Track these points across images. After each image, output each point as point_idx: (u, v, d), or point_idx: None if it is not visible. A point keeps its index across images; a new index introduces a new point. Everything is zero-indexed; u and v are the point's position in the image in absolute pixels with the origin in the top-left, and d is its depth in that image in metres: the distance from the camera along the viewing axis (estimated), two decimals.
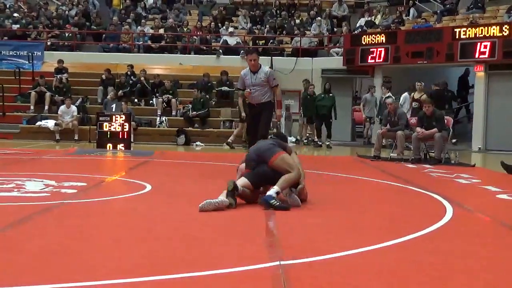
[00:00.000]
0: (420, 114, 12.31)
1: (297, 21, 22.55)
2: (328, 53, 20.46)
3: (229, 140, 15.85)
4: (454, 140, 16.08)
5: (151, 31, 21.44)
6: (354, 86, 21.69)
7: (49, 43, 20.96)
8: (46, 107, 17.59)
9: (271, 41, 20.91)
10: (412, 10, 20.82)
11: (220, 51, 20.49)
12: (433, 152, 11.88)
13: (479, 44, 15.83)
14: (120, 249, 4.22)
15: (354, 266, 3.89)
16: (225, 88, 18.16)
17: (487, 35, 15.78)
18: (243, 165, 6.63)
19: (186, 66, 20.14)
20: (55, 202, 6.07)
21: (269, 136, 7.77)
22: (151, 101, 18.25)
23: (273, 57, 19.03)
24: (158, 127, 17.16)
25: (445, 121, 11.86)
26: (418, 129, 11.63)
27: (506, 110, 15.83)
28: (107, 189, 7.72)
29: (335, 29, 21.79)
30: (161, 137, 16.72)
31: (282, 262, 3.82)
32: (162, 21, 22.25)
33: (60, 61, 18.82)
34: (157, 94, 17.94)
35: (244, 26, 22.29)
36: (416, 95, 15.26)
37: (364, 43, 18.27)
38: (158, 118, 17.29)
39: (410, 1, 21.11)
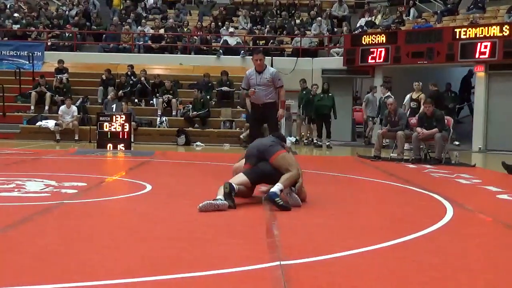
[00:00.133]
0: (421, 114, 12.31)
1: (298, 21, 22.55)
2: (329, 53, 20.46)
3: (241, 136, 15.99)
4: (457, 143, 16.08)
5: (152, 31, 21.44)
6: (355, 86, 21.70)
7: (49, 43, 20.96)
8: (47, 107, 17.59)
9: (271, 41, 20.91)
10: (412, 10, 20.81)
11: (221, 51, 20.49)
12: (433, 152, 11.87)
13: (479, 44, 15.82)
14: (120, 249, 4.22)
15: (354, 266, 3.89)
16: (225, 88, 18.16)
17: (488, 35, 15.77)
18: (239, 163, 6.62)
19: (187, 66, 20.14)
20: (56, 202, 6.07)
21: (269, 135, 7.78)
22: (151, 101, 18.25)
23: (273, 57, 19.00)
24: (159, 127, 17.16)
25: (446, 121, 11.86)
26: (419, 129, 11.62)
27: (507, 110, 15.82)
28: (108, 189, 7.72)
29: (335, 29, 21.79)
30: (161, 137, 16.72)
31: (282, 263, 3.82)
32: (163, 21, 22.25)
33: (61, 61, 18.82)
34: (158, 94, 17.93)
35: (245, 26, 22.28)
36: (414, 95, 15.27)
37: (364, 43, 18.27)
38: (159, 118, 17.29)
39: (411, 1, 21.11)
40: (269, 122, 8.94)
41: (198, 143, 16.48)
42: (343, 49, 19.20)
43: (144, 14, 23.26)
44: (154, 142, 16.29)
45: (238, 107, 18.03)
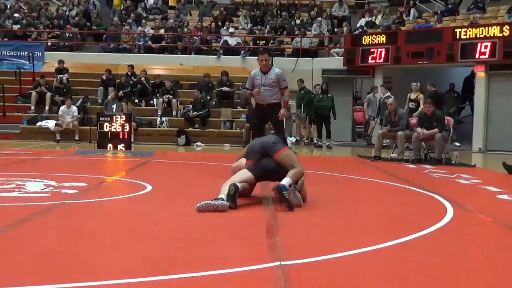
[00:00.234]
0: (421, 114, 12.31)
1: (298, 21, 22.56)
2: (329, 53, 20.46)
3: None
4: (457, 144, 16.07)
5: (152, 31, 21.45)
6: (355, 86, 21.70)
7: (49, 44, 20.96)
8: (47, 108, 17.59)
9: (271, 41, 20.91)
10: (412, 11, 20.82)
11: (221, 51, 20.50)
12: (433, 153, 11.87)
13: (479, 44, 15.82)
14: (121, 249, 4.22)
15: (354, 266, 3.89)
16: (225, 89, 18.16)
17: (488, 35, 15.78)
18: (238, 163, 6.60)
19: (187, 67, 20.14)
20: (56, 203, 6.08)
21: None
22: (151, 102, 18.25)
23: (273, 58, 18.99)
24: (159, 127, 17.16)
25: (446, 121, 11.86)
26: (419, 129, 11.62)
27: (507, 110, 15.82)
28: (108, 189, 7.73)
29: (335, 30, 21.80)
30: (161, 137, 16.72)
31: (282, 263, 3.82)
32: (163, 21, 22.25)
33: (61, 62, 18.81)
34: (158, 95, 17.93)
35: (245, 27, 22.28)
36: (412, 95, 15.29)
37: (364, 43, 18.27)
38: (159, 119, 17.29)
39: (411, 2, 21.11)
40: (273, 122, 8.97)
41: (198, 143, 16.48)
42: (343, 49, 19.20)
43: (144, 14, 23.26)
44: (154, 142, 16.29)
45: (238, 107, 18.03)
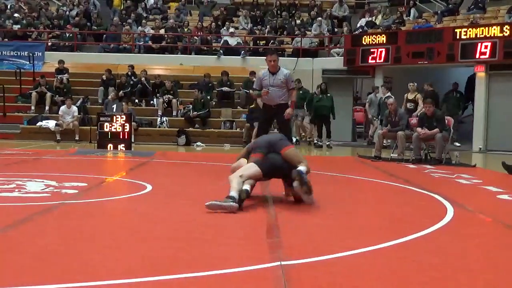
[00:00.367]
0: (421, 114, 12.31)
1: (298, 21, 22.55)
2: (329, 53, 20.46)
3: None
4: (458, 144, 16.08)
5: (152, 31, 21.45)
6: (355, 86, 21.69)
7: (49, 44, 20.96)
8: (47, 108, 17.59)
9: (271, 41, 20.91)
10: (412, 11, 20.83)
11: (221, 51, 20.50)
12: (433, 153, 11.88)
13: (479, 44, 15.82)
14: (121, 249, 4.22)
15: (354, 266, 3.89)
16: (225, 89, 18.16)
17: (488, 35, 15.78)
18: (237, 163, 6.59)
19: (187, 67, 20.14)
20: (56, 203, 6.08)
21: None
22: (151, 102, 18.26)
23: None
24: (159, 127, 17.17)
25: (446, 121, 11.87)
26: (419, 129, 11.63)
27: (507, 110, 15.82)
28: (108, 189, 7.73)
29: (335, 30, 21.80)
30: (161, 137, 16.72)
31: (283, 263, 3.82)
32: (163, 21, 22.25)
33: (61, 62, 18.82)
34: (158, 95, 17.93)
35: (245, 27, 22.28)
36: (410, 95, 15.29)
37: (364, 43, 18.27)
38: (159, 119, 17.30)
39: (411, 2, 21.12)
40: (280, 122, 8.99)
41: (199, 143, 16.48)
42: (343, 49, 19.20)
43: (145, 14, 23.26)
44: (155, 142, 16.29)
45: (238, 107, 18.03)
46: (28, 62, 19.66)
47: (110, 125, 13.42)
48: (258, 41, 20.97)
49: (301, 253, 4.13)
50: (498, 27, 15.79)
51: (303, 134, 17.99)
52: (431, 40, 16.84)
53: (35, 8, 23.40)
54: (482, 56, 15.85)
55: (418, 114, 13.28)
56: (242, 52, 20.34)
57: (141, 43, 21.03)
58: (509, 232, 5.40)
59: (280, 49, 20.79)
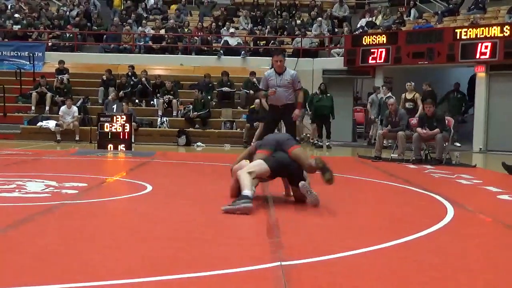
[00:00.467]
0: (421, 114, 12.31)
1: (298, 21, 22.55)
2: (329, 53, 20.46)
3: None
4: (458, 144, 16.07)
5: (152, 31, 21.45)
6: (355, 86, 21.69)
7: (50, 44, 20.96)
8: (47, 108, 17.59)
9: (272, 41, 20.91)
10: (413, 11, 20.83)
11: (221, 51, 20.50)
12: (434, 153, 11.88)
13: (480, 44, 15.82)
14: (121, 249, 4.23)
15: (355, 266, 3.89)
16: (226, 89, 18.16)
17: (488, 35, 15.77)
18: (239, 165, 6.59)
19: (187, 67, 20.14)
20: (56, 203, 6.08)
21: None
22: (152, 102, 18.26)
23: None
24: (159, 127, 17.17)
25: (446, 121, 11.87)
26: (419, 129, 11.63)
27: (507, 111, 15.82)
28: (108, 189, 7.73)
29: (336, 30, 21.79)
30: (162, 137, 16.72)
31: (283, 263, 3.82)
32: (163, 21, 22.26)
33: (61, 62, 18.82)
34: (158, 95, 17.94)
35: (245, 27, 22.29)
36: (408, 95, 15.28)
37: (365, 43, 18.27)
38: (159, 119, 17.30)
39: (411, 2, 21.11)
40: (287, 123, 9.00)
41: (199, 143, 16.48)
42: (343, 49, 19.20)
43: (145, 15, 23.27)
44: (155, 142, 16.29)
45: (238, 107, 18.04)
46: (28, 62, 19.66)
47: (111, 125, 13.41)
48: (258, 42, 20.98)
49: (301, 253, 4.13)
50: (498, 27, 15.78)
51: (303, 134, 17.98)
52: (431, 40, 16.83)
53: (35, 8, 23.40)
54: (482, 56, 15.84)
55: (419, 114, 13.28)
56: (242, 52, 20.35)
57: (141, 43, 21.03)
58: (509, 232, 5.40)
59: (280, 49, 20.78)
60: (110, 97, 17.35)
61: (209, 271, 3.61)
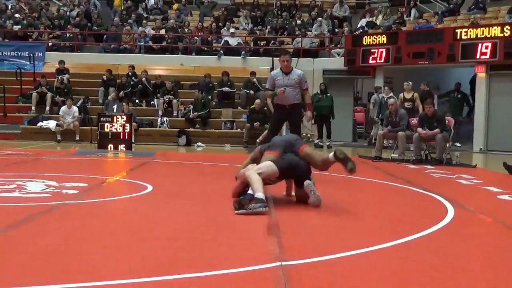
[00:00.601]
0: (421, 114, 12.31)
1: (298, 21, 22.55)
2: (329, 53, 20.46)
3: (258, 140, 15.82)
4: (459, 144, 16.06)
5: (152, 31, 21.45)
6: (355, 86, 21.70)
7: (50, 44, 20.97)
8: (48, 108, 17.59)
9: (272, 41, 20.91)
10: (413, 11, 20.82)
11: (221, 51, 20.50)
12: (434, 153, 11.88)
13: (480, 44, 15.82)
14: (122, 249, 4.23)
15: (355, 266, 3.89)
16: (226, 89, 18.16)
17: (488, 35, 15.77)
18: (247, 167, 6.56)
19: (187, 67, 20.14)
20: (57, 203, 6.08)
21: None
22: (152, 102, 18.26)
23: (274, 58, 19.01)
24: (159, 127, 17.17)
25: (446, 121, 11.87)
26: (420, 129, 11.63)
27: (508, 111, 15.82)
28: (108, 189, 7.73)
29: (336, 30, 21.79)
30: (162, 137, 16.72)
31: (283, 263, 3.82)
32: (163, 21, 22.26)
33: (61, 62, 18.83)
34: (158, 95, 17.94)
35: (245, 27, 22.28)
36: (407, 95, 15.29)
37: (365, 43, 18.27)
38: (159, 119, 17.30)
39: (411, 2, 21.11)
40: (292, 122, 9.01)
41: (199, 143, 16.48)
42: (344, 49, 19.21)
43: (145, 15, 23.26)
44: (155, 142, 16.29)
45: (239, 107, 18.03)
46: (28, 63, 19.67)
47: (111, 126, 13.42)
48: (258, 42, 20.97)
49: (301, 253, 4.13)
50: (499, 27, 15.78)
51: (303, 134, 17.96)
52: (431, 40, 16.83)
53: (35, 8, 23.41)
54: (482, 57, 15.84)
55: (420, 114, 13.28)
56: (243, 52, 20.35)
57: (141, 43, 21.03)
58: (509, 232, 5.39)
59: (280, 49, 20.78)
60: (110, 97, 17.35)
61: (209, 271, 3.62)
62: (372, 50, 17.95)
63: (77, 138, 16.35)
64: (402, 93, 15.44)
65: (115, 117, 13.56)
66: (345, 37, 19.79)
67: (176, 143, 16.44)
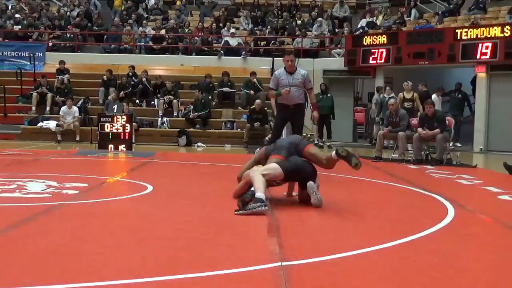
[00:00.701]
0: (422, 115, 12.31)
1: (299, 22, 22.55)
2: (330, 54, 20.46)
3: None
4: (459, 145, 16.06)
5: (153, 32, 21.45)
6: (356, 87, 21.70)
7: (50, 44, 20.97)
8: (48, 108, 17.59)
9: (272, 42, 20.91)
10: (413, 11, 20.83)
11: (222, 52, 20.51)
12: (434, 153, 11.88)
13: (480, 45, 15.81)
14: (122, 249, 4.23)
15: (356, 266, 3.89)
16: (226, 89, 18.16)
17: (489, 36, 15.77)
18: (252, 169, 6.54)
19: (188, 67, 20.15)
20: (57, 203, 6.08)
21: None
22: (152, 102, 18.25)
23: (274, 58, 19.03)
24: (160, 128, 17.17)
25: (447, 121, 11.87)
26: (420, 129, 11.63)
27: (508, 111, 15.82)
28: (109, 190, 7.73)
29: (336, 30, 21.79)
30: (162, 138, 16.72)
31: (283, 263, 3.82)
32: (164, 22, 22.26)
33: (62, 62, 18.82)
34: (159, 95, 17.94)
35: (246, 27, 22.28)
36: (407, 95, 15.29)
37: (365, 44, 18.27)
38: (160, 119, 17.30)
39: (412, 2, 21.12)
40: (295, 122, 9.00)
41: (199, 143, 16.47)
42: (344, 49, 19.21)
43: (145, 15, 23.26)
44: (155, 143, 16.29)
45: (239, 108, 18.04)
46: (29, 63, 19.68)
47: (111, 126, 13.42)
48: (258, 42, 20.97)
49: (302, 253, 4.13)
50: (499, 27, 15.78)
51: (304, 134, 17.95)
52: (432, 40, 16.83)
53: (36, 8, 23.41)
54: (483, 57, 15.84)
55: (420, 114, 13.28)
56: (243, 52, 20.35)
57: (142, 43, 21.03)
58: (510, 232, 5.39)
59: (280, 49, 20.78)
60: (110, 97, 17.35)
61: (210, 271, 3.61)
62: (373, 50, 17.96)
63: (78, 138, 16.35)
64: (401, 93, 15.44)
65: (115, 118, 13.56)
66: (345, 37, 19.79)
67: (177, 143, 16.44)
